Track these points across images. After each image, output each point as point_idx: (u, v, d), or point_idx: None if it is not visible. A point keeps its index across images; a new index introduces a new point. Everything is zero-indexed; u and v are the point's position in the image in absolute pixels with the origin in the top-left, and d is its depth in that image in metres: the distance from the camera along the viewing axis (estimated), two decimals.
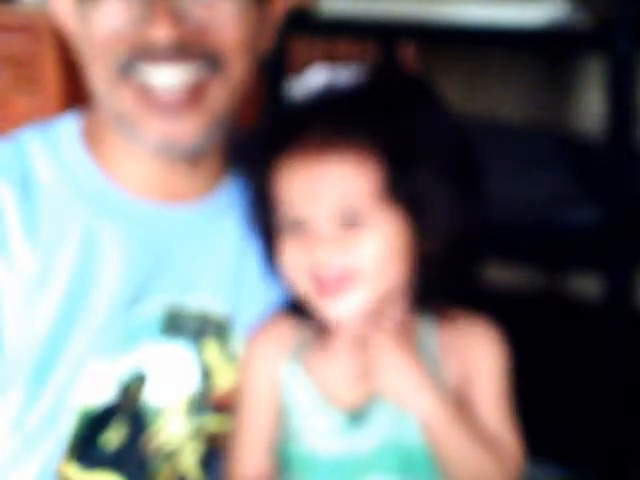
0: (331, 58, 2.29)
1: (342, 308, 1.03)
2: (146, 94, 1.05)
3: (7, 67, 2.53)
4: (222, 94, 1.07)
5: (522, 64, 2.38)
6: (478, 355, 1.07)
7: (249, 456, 1.10)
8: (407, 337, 1.06)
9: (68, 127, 1.16)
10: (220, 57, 1.06)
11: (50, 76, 2.45)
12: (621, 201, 1.75)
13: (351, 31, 2.09)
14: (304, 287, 1.05)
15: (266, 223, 1.08)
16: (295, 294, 1.07)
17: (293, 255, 1.04)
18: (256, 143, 1.08)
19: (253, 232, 1.11)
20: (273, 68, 2.02)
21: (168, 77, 1.05)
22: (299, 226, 1.03)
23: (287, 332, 1.10)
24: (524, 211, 1.92)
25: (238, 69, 1.07)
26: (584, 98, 2.30)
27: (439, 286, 1.07)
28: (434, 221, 1.03)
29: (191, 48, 1.04)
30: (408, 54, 2.41)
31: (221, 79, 1.06)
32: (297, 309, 1.09)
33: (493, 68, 2.42)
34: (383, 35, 2.23)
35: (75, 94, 2.38)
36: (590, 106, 2.26)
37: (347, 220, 1.01)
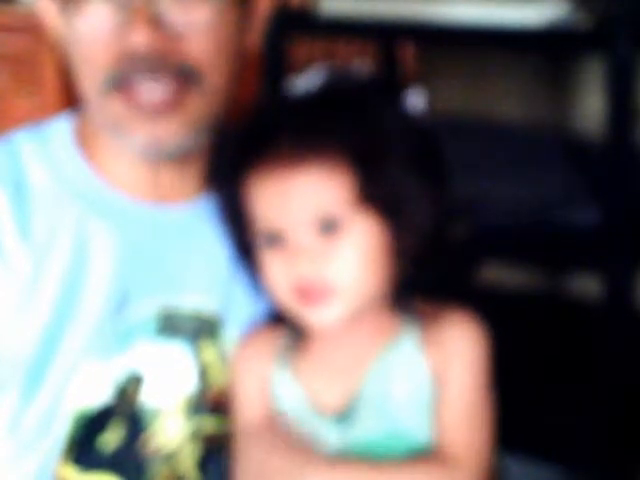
0: (331, 58, 2.30)
1: (325, 317, 1.03)
2: (132, 100, 1.06)
3: (7, 67, 2.53)
4: (201, 103, 1.08)
5: (522, 64, 2.38)
6: (453, 350, 1.06)
7: (250, 466, 1.10)
8: (383, 336, 1.06)
9: (61, 128, 1.16)
10: (195, 71, 1.06)
11: (50, 76, 2.45)
12: (621, 201, 1.75)
13: (351, 31, 2.09)
14: (285, 298, 1.04)
15: (242, 238, 1.08)
16: (276, 303, 1.07)
17: (274, 268, 1.04)
18: (223, 159, 1.08)
19: (231, 247, 1.11)
20: (273, 68, 2.02)
21: (149, 87, 1.05)
22: (276, 239, 1.03)
23: (273, 338, 1.10)
24: (524, 211, 1.92)
25: (216, 79, 1.08)
26: (584, 98, 2.31)
27: (417, 281, 1.07)
28: (409, 218, 1.03)
29: (167, 60, 1.04)
30: (408, 54, 2.42)
31: (198, 91, 1.07)
32: (280, 317, 1.09)
33: (493, 68, 2.42)
34: (383, 35, 2.23)
35: (74, 94, 2.37)
36: (590, 106, 2.27)
37: (325, 229, 1.01)
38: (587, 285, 2.28)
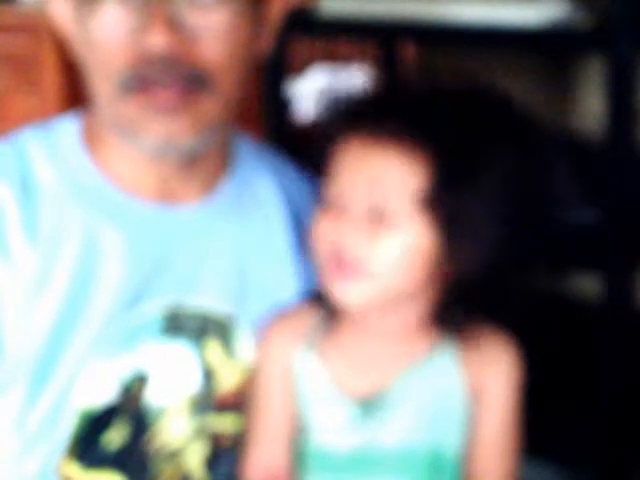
0: (331, 58, 2.29)
1: (349, 293, 1.04)
2: (147, 101, 1.06)
3: (7, 67, 2.53)
4: (211, 106, 1.07)
5: (522, 64, 2.38)
6: (493, 372, 1.07)
7: (266, 449, 1.09)
8: (420, 344, 1.06)
9: (68, 128, 1.16)
10: (207, 75, 1.06)
11: (50, 76, 2.45)
12: (621, 201, 1.75)
13: (351, 31, 2.08)
14: (323, 261, 1.06)
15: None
16: (317, 279, 1.08)
17: (321, 227, 1.06)
18: (330, 116, 1.10)
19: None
20: (273, 68, 2.02)
21: (162, 88, 1.05)
22: (336, 203, 1.04)
23: (303, 320, 1.11)
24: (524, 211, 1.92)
25: (227, 83, 1.08)
26: (584, 98, 2.30)
27: (460, 309, 1.06)
28: (467, 244, 1.01)
29: (181, 63, 1.04)
30: (408, 54, 2.42)
31: (211, 96, 1.07)
32: (318, 297, 1.10)
33: (493, 68, 2.42)
34: (383, 35, 2.23)
35: (75, 94, 2.38)
36: (590, 106, 2.27)
37: (375, 214, 1.02)
38: (587, 285, 2.28)
